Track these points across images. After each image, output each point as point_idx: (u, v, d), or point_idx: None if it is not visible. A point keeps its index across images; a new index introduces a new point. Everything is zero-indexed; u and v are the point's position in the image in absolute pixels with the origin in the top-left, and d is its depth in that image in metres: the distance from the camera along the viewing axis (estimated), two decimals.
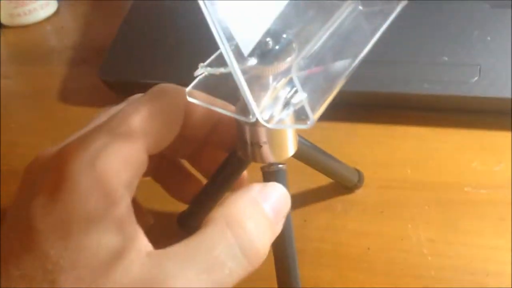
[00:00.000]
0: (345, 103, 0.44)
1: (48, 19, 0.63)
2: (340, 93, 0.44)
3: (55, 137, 0.47)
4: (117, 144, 0.24)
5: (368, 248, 0.35)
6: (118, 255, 0.23)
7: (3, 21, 0.63)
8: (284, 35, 0.25)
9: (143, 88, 0.48)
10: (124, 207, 0.24)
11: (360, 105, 0.44)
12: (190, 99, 0.26)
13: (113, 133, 0.25)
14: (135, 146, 0.25)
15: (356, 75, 0.26)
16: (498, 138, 0.41)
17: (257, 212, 0.25)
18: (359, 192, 0.38)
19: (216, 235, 0.24)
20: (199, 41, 0.34)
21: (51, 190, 0.23)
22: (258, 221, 0.25)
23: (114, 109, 0.29)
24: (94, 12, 0.64)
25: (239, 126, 0.27)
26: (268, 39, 0.24)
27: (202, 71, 0.26)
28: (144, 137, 0.25)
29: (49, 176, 0.24)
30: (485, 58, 0.42)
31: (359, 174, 0.38)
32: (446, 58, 0.43)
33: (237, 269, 0.23)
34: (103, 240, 0.23)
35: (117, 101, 0.49)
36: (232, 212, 0.25)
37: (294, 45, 0.25)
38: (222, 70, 0.25)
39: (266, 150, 0.27)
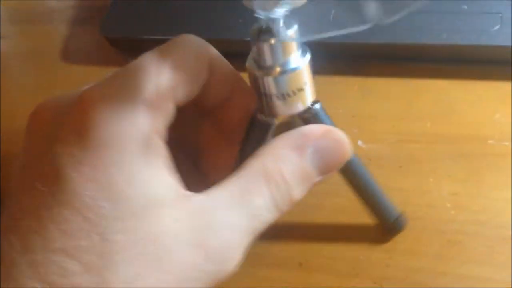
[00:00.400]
0: (358, 56, 0.43)
1: None
2: (352, 45, 0.42)
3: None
4: (145, 91, 0.23)
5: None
6: (163, 203, 0.22)
7: None
8: None
9: (147, 44, 0.46)
10: (162, 155, 0.23)
11: (374, 57, 0.42)
12: None
13: (140, 80, 0.23)
14: (163, 93, 0.24)
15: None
16: None
17: (299, 164, 0.24)
18: (376, 147, 0.37)
19: (254, 185, 0.24)
20: None
21: (78, 137, 0.22)
22: (297, 174, 0.24)
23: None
24: None
25: (253, 80, 0.26)
26: None
27: None
28: (171, 85, 0.24)
29: (73, 122, 0.22)
30: (506, 6, 0.40)
31: (399, 218, 0.32)
32: (465, 7, 0.41)
33: (270, 218, 0.24)
34: (145, 187, 0.21)
35: (120, 58, 0.48)
36: (271, 162, 0.24)
37: None
38: None
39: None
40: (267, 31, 0.24)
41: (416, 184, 0.34)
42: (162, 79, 0.24)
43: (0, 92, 0.47)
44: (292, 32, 0.24)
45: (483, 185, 0.33)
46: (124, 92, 0.23)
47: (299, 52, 0.25)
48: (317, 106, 0.27)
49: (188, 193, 0.23)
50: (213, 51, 0.27)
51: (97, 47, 0.50)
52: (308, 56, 0.26)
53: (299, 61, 0.25)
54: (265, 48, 0.25)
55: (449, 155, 0.35)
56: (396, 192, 0.34)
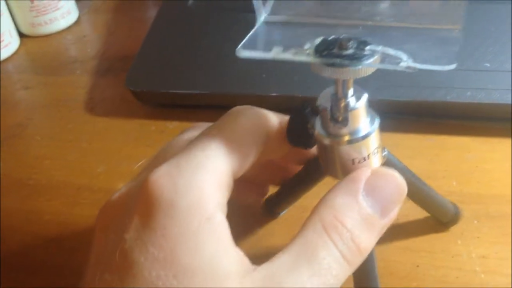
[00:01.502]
0: (383, 113, 0.43)
1: (69, 29, 0.62)
2: (377, 102, 0.43)
3: (83, 149, 0.47)
4: (208, 169, 0.24)
5: (417, 266, 0.33)
6: (230, 275, 0.22)
7: (24, 31, 0.62)
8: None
9: (171, 98, 0.47)
10: (225, 230, 0.23)
11: (399, 114, 0.42)
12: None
13: (201, 158, 0.24)
14: (224, 169, 0.24)
15: (395, 84, 0.25)
16: None
17: (355, 209, 0.24)
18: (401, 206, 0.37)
19: (316, 240, 0.23)
20: (228, 48, 0.33)
21: (145, 222, 0.22)
22: (357, 220, 0.24)
23: (187, 135, 0.29)
24: (116, 21, 0.63)
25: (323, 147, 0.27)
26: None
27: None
28: (230, 160, 0.25)
29: (140, 209, 0.23)
30: None
31: (455, 208, 0.35)
32: (488, 65, 0.42)
33: (341, 271, 0.23)
34: (211, 263, 0.22)
35: (144, 111, 0.49)
36: (328, 214, 0.24)
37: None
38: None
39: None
40: (337, 100, 0.25)
41: (445, 245, 0.34)
42: (222, 161, 0.24)
43: (25, 143, 0.48)
44: (362, 101, 0.25)
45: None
46: (187, 175, 0.23)
47: (369, 119, 0.26)
48: (385, 152, 0.28)
49: (253, 266, 0.23)
50: (270, 120, 0.28)
51: (121, 98, 0.50)
52: (377, 121, 0.26)
53: (368, 127, 0.26)
54: (336, 116, 0.25)
55: (476, 216, 0.35)
56: (425, 253, 0.34)
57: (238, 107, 0.27)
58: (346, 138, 0.26)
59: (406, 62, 0.22)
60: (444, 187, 0.37)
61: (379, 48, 0.23)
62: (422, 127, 0.42)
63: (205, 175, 0.23)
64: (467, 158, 0.39)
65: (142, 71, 0.49)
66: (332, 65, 0.23)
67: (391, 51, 0.23)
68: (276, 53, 0.23)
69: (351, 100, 0.25)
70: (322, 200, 0.25)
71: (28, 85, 0.55)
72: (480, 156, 0.39)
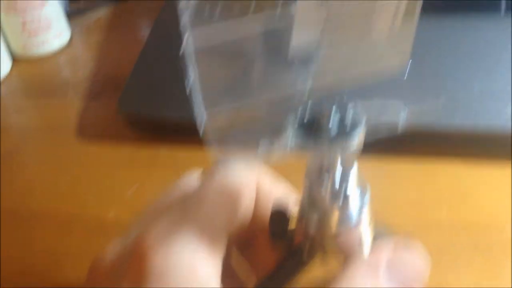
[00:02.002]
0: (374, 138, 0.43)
1: (61, 50, 0.62)
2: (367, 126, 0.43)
3: (74, 175, 0.47)
4: (200, 233, 0.23)
5: None
6: None
7: (15, 52, 0.62)
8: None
9: (164, 123, 0.47)
10: None
11: (386, 140, 0.42)
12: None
13: (195, 220, 0.24)
14: (217, 233, 0.24)
15: None
16: None
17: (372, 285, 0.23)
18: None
19: None
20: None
21: (137, 283, 0.22)
22: None
23: (185, 185, 0.28)
24: (108, 43, 0.63)
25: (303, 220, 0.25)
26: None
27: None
28: (224, 224, 0.24)
29: (132, 273, 0.23)
30: None
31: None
32: (479, 88, 0.42)
33: None
34: None
35: (136, 136, 0.49)
36: None
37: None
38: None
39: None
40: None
41: (435, 277, 0.34)
42: (216, 222, 0.24)
43: (15, 169, 0.48)
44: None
45: (504, 278, 0.33)
46: (179, 243, 0.23)
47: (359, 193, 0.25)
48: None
49: None
50: (261, 177, 0.27)
51: (113, 123, 0.50)
52: (368, 197, 0.25)
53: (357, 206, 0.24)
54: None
55: (467, 246, 0.35)
56: None
57: (224, 165, 0.26)
58: (336, 214, 0.24)
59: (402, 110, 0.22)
60: (435, 216, 0.37)
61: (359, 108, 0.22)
62: (412, 153, 0.42)
63: (197, 244, 0.23)
64: (457, 184, 0.39)
65: (134, 95, 0.49)
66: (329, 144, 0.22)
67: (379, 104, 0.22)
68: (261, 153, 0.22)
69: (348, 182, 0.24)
70: (339, 277, 0.23)
71: (19, 108, 0.55)
72: (470, 183, 0.39)
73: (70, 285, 0.37)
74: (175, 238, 0.23)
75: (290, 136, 0.22)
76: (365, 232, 0.25)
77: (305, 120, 0.22)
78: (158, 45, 0.54)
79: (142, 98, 0.48)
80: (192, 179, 0.28)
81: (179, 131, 0.47)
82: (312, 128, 0.22)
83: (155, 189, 0.44)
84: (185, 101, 0.46)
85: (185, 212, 0.24)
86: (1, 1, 0.58)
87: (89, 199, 0.44)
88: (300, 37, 0.22)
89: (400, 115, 0.23)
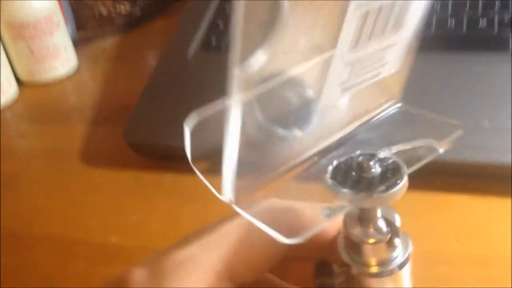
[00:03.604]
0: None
1: (68, 77, 0.62)
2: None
3: (78, 200, 0.46)
4: (191, 270, 0.22)
5: None
6: None
7: (22, 78, 0.62)
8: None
9: (169, 150, 0.47)
10: None
11: None
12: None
13: (184, 256, 0.23)
14: (214, 270, 0.23)
15: None
16: None
17: None
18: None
19: None
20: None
21: None
22: None
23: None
24: (115, 71, 0.63)
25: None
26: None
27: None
28: (230, 272, 0.23)
29: None
30: None
31: None
32: (487, 123, 0.42)
33: None
34: None
35: (141, 163, 0.48)
36: None
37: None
38: None
39: None
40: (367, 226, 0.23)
41: None
42: (212, 260, 0.23)
43: (19, 193, 0.47)
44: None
45: None
46: (166, 276, 0.22)
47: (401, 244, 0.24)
48: None
49: None
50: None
51: (118, 149, 0.50)
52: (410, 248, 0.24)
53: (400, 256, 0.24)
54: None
55: (478, 280, 0.35)
56: None
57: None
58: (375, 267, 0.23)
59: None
60: (446, 249, 0.37)
61: (392, 150, 0.22)
62: (421, 185, 0.41)
63: (186, 278, 0.22)
64: (468, 217, 0.39)
65: (140, 123, 0.48)
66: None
67: (407, 146, 0.22)
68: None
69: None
70: None
71: (25, 133, 0.55)
72: (481, 216, 0.39)
73: None
74: (162, 270, 0.22)
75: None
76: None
77: (344, 177, 0.21)
78: (165, 75, 0.54)
79: (148, 126, 0.48)
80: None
81: (185, 159, 0.46)
82: (351, 179, 0.21)
83: (158, 216, 0.43)
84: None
85: (177, 246, 0.23)
86: (10, 28, 0.59)
87: (92, 226, 0.43)
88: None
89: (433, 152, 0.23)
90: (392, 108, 0.25)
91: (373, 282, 0.23)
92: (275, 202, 0.23)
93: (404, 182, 0.21)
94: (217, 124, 0.23)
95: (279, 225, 0.20)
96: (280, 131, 0.22)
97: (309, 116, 0.22)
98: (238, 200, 0.22)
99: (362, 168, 0.21)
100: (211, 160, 0.26)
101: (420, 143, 0.23)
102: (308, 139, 0.23)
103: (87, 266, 0.40)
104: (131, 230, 0.42)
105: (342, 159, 0.22)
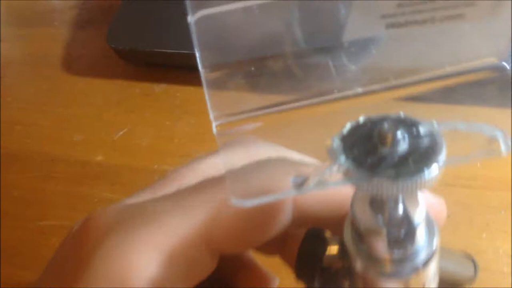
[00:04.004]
0: None
1: None
2: None
3: (59, 113, 0.42)
4: (155, 230, 0.18)
5: None
6: None
7: None
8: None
9: (158, 57, 0.42)
10: None
11: None
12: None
13: (152, 213, 0.19)
14: (186, 241, 0.18)
15: None
16: None
17: None
18: None
19: None
20: None
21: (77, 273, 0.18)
22: None
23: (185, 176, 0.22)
24: None
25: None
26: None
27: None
28: (208, 234, 0.18)
29: (73, 253, 0.19)
30: None
31: (474, 265, 0.25)
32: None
33: None
34: None
35: (127, 70, 0.44)
36: None
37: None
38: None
39: None
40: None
41: (467, 240, 0.30)
42: (184, 223, 0.18)
43: None
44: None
45: None
46: (124, 228, 0.18)
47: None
48: None
49: None
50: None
51: (102, 55, 0.45)
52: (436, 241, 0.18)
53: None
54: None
55: (503, 205, 0.31)
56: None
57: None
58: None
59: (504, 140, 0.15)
60: (468, 171, 0.33)
61: (436, 126, 0.16)
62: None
63: (143, 244, 0.18)
64: None
65: (125, 26, 0.43)
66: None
67: (462, 126, 0.16)
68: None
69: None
70: None
71: (4, 37, 0.49)
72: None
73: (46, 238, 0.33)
74: (124, 221, 0.18)
75: (335, 165, 0.15)
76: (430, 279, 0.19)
77: (358, 142, 0.16)
78: None
79: (133, 29, 0.43)
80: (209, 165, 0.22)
81: (176, 65, 0.41)
82: (369, 154, 0.16)
83: (148, 131, 0.39)
84: (182, 33, 0.41)
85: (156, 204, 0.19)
86: None
87: (74, 141, 0.39)
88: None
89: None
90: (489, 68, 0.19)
91: (382, 282, 0.18)
92: (257, 143, 0.19)
93: (429, 174, 0.15)
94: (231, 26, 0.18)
95: (244, 179, 0.16)
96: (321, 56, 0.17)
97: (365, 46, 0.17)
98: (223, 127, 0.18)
99: (381, 138, 0.15)
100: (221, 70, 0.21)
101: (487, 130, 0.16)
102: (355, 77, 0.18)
103: (67, 187, 0.36)
104: (118, 146, 0.38)
105: (370, 118, 0.16)
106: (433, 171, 0.15)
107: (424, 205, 0.17)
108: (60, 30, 0.49)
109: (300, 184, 0.15)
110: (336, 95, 0.20)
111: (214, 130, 0.19)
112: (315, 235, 0.19)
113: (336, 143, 0.16)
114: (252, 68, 0.21)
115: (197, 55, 0.19)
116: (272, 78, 0.20)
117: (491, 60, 0.19)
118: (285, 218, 0.19)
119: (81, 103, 0.42)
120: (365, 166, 0.15)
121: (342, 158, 0.15)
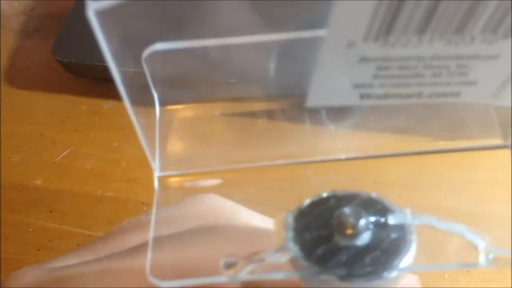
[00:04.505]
0: None
1: None
2: None
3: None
4: None
5: None
6: None
7: None
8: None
9: (106, 71, 0.39)
10: None
11: None
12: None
13: None
14: None
15: None
16: None
17: None
18: None
19: None
20: (168, 19, 0.26)
21: None
22: None
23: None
24: None
25: None
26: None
27: None
28: None
29: None
30: None
31: None
32: None
33: None
34: None
35: (75, 86, 0.40)
36: None
37: None
38: None
39: None
40: None
41: (428, 279, 0.28)
42: None
43: None
44: None
45: None
46: None
47: None
48: None
49: None
50: None
51: (48, 67, 0.42)
52: None
53: None
54: None
55: None
56: None
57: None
58: None
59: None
60: (431, 201, 0.31)
61: (409, 219, 0.14)
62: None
63: None
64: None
65: (72, 37, 0.40)
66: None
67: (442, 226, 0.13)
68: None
69: None
70: None
71: None
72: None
73: None
74: None
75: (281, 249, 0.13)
76: None
77: (313, 224, 0.13)
78: None
79: (81, 41, 0.40)
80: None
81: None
82: (323, 242, 0.13)
83: (94, 152, 0.36)
84: None
85: None
86: None
87: (12, 162, 0.36)
88: None
89: None
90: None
91: None
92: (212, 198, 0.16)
93: (387, 280, 0.13)
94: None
95: (172, 252, 0.14)
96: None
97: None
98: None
99: (340, 226, 0.13)
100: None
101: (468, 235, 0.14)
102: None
103: (3, 215, 0.33)
104: (59, 169, 0.35)
105: (335, 193, 0.14)
106: (391, 277, 0.12)
107: None
108: (5, 38, 0.45)
109: (231, 268, 0.13)
110: (309, 158, 0.17)
111: (156, 183, 0.16)
112: None
113: (289, 221, 0.14)
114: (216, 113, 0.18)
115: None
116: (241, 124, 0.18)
117: (494, 141, 0.17)
118: None
119: (22, 119, 0.39)
120: (314, 258, 0.12)
121: (290, 243, 0.13)
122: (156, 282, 0.13)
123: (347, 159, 0.18)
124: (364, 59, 0.13)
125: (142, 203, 0.33)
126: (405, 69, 0.14)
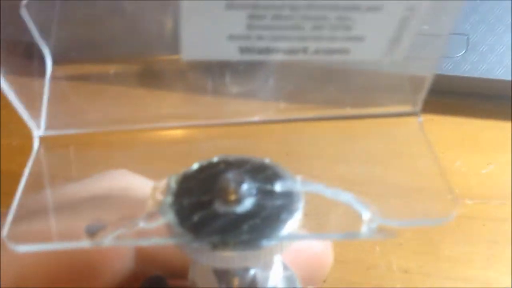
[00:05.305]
0: None
1: None
2: None
3: None
4: None
5: (324, 280, 0.27)
6: None
7: None
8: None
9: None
10: None
11: None
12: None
13: None
14: None
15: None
16: (489, 131, 0.32)
17: None
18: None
19: None
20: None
21: None
22: None
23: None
24: None
25: None
26: None
27: None
28: None
29: None
30: (475, 26, 0.34)
31: None
32: (425, 27, 0.35)
33: None
34: None
35: None
36: None
37: None
38: None
39: None
40: None
41: (359, 255, 0.28)
42: None
43: None
44: None
45: (439, 259, 0.27)
46: None
47: None
48: None
49: None
50: None
51: None
52: None
53: None
54: None
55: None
56: (334, 263, 0.27)
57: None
58: None
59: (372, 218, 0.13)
60: (362, 175, 0.31)
61: (299, 186, 0.13)
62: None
63: None
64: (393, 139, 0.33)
65: None
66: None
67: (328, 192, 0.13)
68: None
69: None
70: None
71: None
72: (407, 137, 0.33)
73: None
74: None
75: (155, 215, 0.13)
76: None
77: (196, 190, 0.13)
78: None
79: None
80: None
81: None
82: (200, 208, 0.12)
83: None
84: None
85: None
86: None
87: None
88: None
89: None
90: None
91: None
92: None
93: (266, 248, 0.12)
94: None
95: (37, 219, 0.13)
96: None
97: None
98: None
99: (220, 191, 0.12)
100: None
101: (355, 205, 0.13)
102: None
103: None
104: None
105: (225, 158, 0.14)
106: (270, 245, 0.12)
107: (279, 266, 0.15)
108: None
109: (95, 233, 0.12)
110: (208, 121, 0.17)
111: (36, 143, 0.16)
112: (153, 285, 0.16)
113: (171, 185, 0.13)
114: (112, 71, 0.18)
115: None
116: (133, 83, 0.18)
117: (403, 108, 0.17)
118: (121, 265, 0.16)
119: None
120: (189, 225, 0.12)
121: (166, 208, 0.12)
122: (11, 245, 0.12)
123: (247, 123, 0.18)
124: (230, 6, 0.13)
125: None
126: (280, 19, 0.14)
